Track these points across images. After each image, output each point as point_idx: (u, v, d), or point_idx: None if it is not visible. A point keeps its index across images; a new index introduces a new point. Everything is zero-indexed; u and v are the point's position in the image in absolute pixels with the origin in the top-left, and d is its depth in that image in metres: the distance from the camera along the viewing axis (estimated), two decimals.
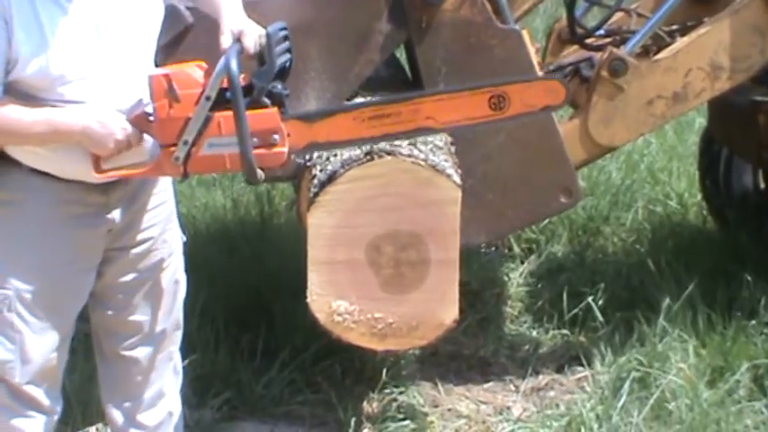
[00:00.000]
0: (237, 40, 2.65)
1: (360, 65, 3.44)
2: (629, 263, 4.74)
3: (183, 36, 3.35)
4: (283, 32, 2.69)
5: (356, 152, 2.86)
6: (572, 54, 4.31)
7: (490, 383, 4.09)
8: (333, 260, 2.75)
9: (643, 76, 3.68)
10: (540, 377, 4.11)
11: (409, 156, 2.80)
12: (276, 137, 2.61)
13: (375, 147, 2.85)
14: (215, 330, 3.94)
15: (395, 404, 3.82)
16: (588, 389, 3.95)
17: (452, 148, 3.27)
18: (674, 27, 3.93)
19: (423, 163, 2.77)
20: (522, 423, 3.79)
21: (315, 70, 3.39)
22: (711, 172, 4.91)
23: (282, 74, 2.68)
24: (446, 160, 3.00)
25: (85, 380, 3.49)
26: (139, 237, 2.85)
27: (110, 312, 2.91)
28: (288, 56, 2.70)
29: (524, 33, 3.57)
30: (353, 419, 3.68)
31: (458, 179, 2.94)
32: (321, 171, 2.85)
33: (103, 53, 2.60)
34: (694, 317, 4.08)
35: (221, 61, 2.57)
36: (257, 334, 3.95)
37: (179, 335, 3.12)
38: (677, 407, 3.63)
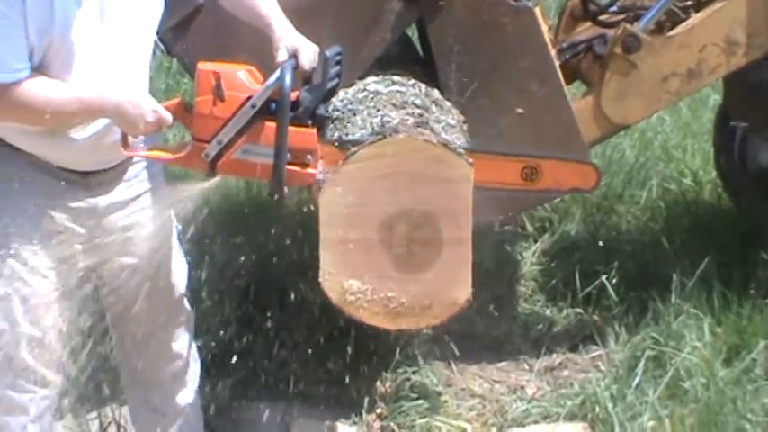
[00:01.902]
0: (293, 56, 2.68)
1: (371, 44, 3.42)
2: (644, 241, 4.72)
3: (194, 16, 3.34)
4: (338, 57, 2.74)
5: (367, 131, 2.84)
6: (585, 31, 4.27)
7: (504, 363, 4.09)
8: (345, 239, 2.73)
9: (657, 53, 3.64)
10: (554, 356, 4.10)
11: (421, 134, 2.78)
12: (310, 157, 2.64)
13: (387, 125, 2.84)
14: (228, 311, 3.94)
15: (408, 383, 3.82)
16: (602, 368, 3.95)
17: (465, 127, 3.25)
18: (689, 2, 3.89)
19: (435, 141, 2.75)
20: (536, 402, 3.78)
21: (327, 48, 3.37)
22: (726, 149, 4.87)
23: (329, 96, 2.73)
24: (458, 138, 2.99)
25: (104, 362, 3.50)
26: (124, 222, 2.87)
27: (113, 299, 2.93)
28: (337, 80, 2.76)
29: (537, 11, 3.54)
30: (367, 399, 3.69)
31: (470, 157, 2.92)
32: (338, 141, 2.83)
33: (105, 40, 2.60)
34: (709, 295, 4.06)
35: (276, 74, 2.60)
36: (270, 314, 3.94)
37: (188, 319, 3.14)
38: (692, 385, 3.62)
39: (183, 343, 3.14)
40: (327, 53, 2.71)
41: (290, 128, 2.58)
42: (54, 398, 2.87)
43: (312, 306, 3.83)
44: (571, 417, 3.67)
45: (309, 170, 2.66)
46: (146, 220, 2.92)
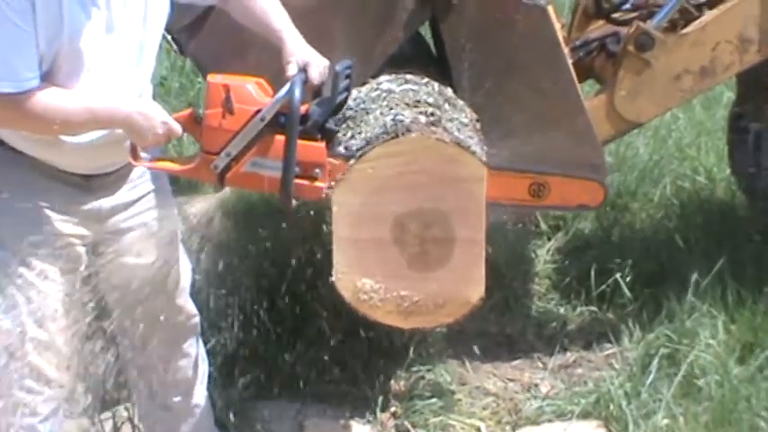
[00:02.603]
0: (303, 70, 2.70)
1: (384, 42, 3.41)
2: (658, 239, 4.70)
3: (207, 16, 3.34)
4: (348, 71, 2.75)
5: (380, 130, 2.84)
6: (598, 29, 4.26)
7: (517, 361, 4.09)
8: (358, 238, 2.74)
9: (670, 51, 3.64)
10: (568, 354, 4.10)
11: (434, 133, 2.78)
12: (318, 171, 2.66)
13: (400, 124, 2.84)
14: (242, 310, 3.94)
15: (422, 382, 3.82)
16: (617, 366, 3.94)
17: (478, 125, 3.25)
18: (702, 0, 3.88)
19: (448, 140, 2.75)
20: (550, 400, 3.78)
21: (339, 48, 3.36)
22: (740, 146, 4.85)
23: (338, 110, 2.74)
24: (471, 137, 2.98)
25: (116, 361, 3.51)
26: (128, 223, 2.89)
27: (118, 299, 2.95)
28: (346, 93, 2.78)
29: (550, 8, 3.53)
30: (380, 397, 3.69)
31: (483, 156, 2.92)
32: (345, 149, 2.84)
33: (111, 49, 2.61)
34: (723, 292, 4.05)
35: (286, 87, 2.61)
36: (284, 313, 3.95)
37: (193, 319, 3.16)
38: (707, 383, 3.62)
39: (188, 343, 3.16)
40: (337, 67, 2.72)
41: (299, 141, 2.60)
42: (63, 398, 2.89)
43: (326, 305, 3.83)
44: (585, 415, 3.67)
45: (318, 184, 2.67)
46: (150, 221, 2.94)
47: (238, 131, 2.61)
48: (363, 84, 3.24)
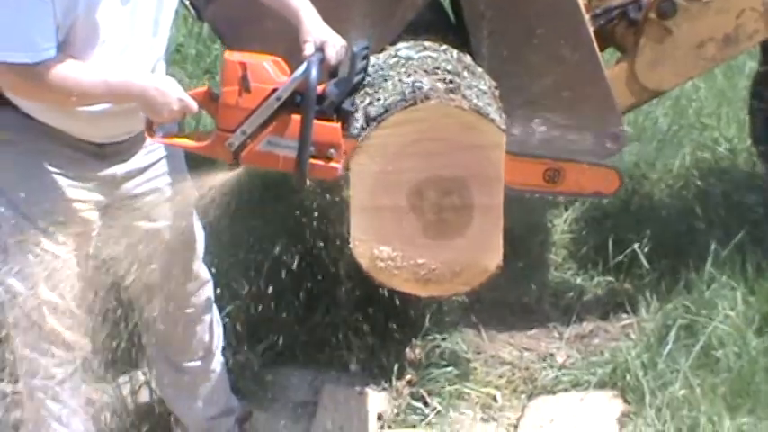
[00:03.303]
0: (320, 49, 2.69)
1: (403, 8, 3.39)
2: (676, 209, 4.68)
3: None
4: (365, 52, 2.74)
5: (399, 97, 2.82)
6: None
7: (534, 330, 4.09)
8: (375, 206, 2.72)
9: (693, 18, 3.60)
10: (585, 324, 4.09)
11: (453, 100, 2.76)
12: (333, 151, 2.64)
13: (418, 91, 2.82)
14: (258, 277, 3.95)
15: (438, 350, 3.83)
16: (633, 336, 3.94)
17: (497, 93, 3.22)
18: None
19: (466, 107, 2.73)
20: (566, 370, 3.78)
21: (358, 15, 3.34)
22: (762, 117, 4.81)
23: (354, 90, 2.73)
24: (489, 104, 2.96)
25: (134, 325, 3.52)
26: (142, 189, 2.91)
27: (132, 263, 2.93)
28: (362, 74, 2.76)
29: None
30: (396, 365, 3.70)
31: (502, 124, 2.90)
32: (363, 116, 2.82)
33: (126, 20, 2.62)
34: (743, 264, 4.03)
35: (302, 67, 2.60)
36: (300, 280, 3.95)
37: (206, 284, 3.18)
38: (725, 354, 3.61)
39: (202, 307, 3.19)
40: (354, 48, 2.71)
41: (315, 121, 2.59)
42: (80, 361, 2.90)
43: (342, 272, 3.83)
44: (601, 385, 3.67)
45: (332, 164, 2.65)
46: (164, 186, 2.95)
47: (254, 110, 2.60)
48: (382, 50, 3.22)
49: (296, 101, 2.59)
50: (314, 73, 2.59)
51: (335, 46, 2.73)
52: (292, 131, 2.60)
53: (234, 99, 2.60)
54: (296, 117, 2.59)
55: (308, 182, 2.63)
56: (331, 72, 2.73)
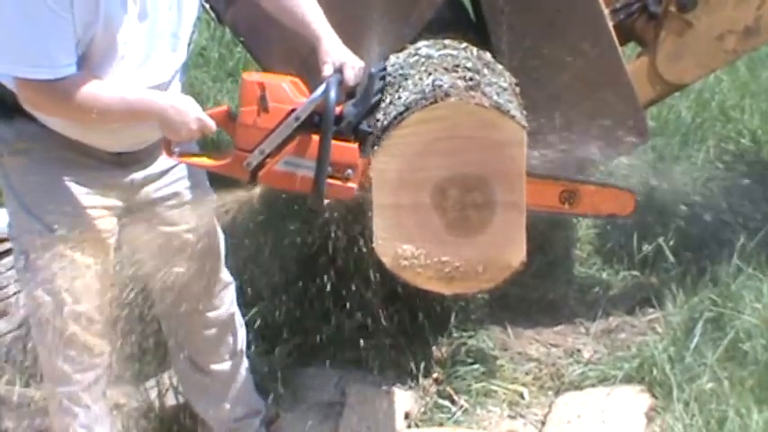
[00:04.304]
0: (338, 70, 2.70)
1: (422, 7, 3.39)
2: (701, 202, 4.66)
3: None
4: (382, 73, 2.77)
5: (419, 95, 2.83)
6: None
7: (560, 326, 4.08)
8: (398, 204, 2.72)
9: (713, 10, 3.59)
10: (611, 319, 4.08)
11: (473, 98, 2.76)
12: (350, 171, 2.65)
13: (438, 89, 2.82)
14: (283, 277, 3.96)
15: (464, 348, 3.82)
16: (660, 330, 3.92)
17: (517, 89, 3.22)
18: None
19: (487, 105, 2.73)
20: (593, 365, 3.77)
21: (377, 13, 3.35)
22: None
23: (371, 111, 2.73)
24: (510, 101, 2.95)
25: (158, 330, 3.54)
26: (161, 193, 2.92)
27: (154, 267, 2.95)
28: (380, 95, 2.76)
29: None
30: (423, 364, 3.70)
31: (523, 120, 2.89)
32: (384, 115, 2.83)
33: (143, 37, 2.63)
34: None
35: (321, 88, 2.61)
36: (325, 280, 3.96)
37: (228, 286, 3.20)
38: (752, 347, 3.59)
39: (224, 309, 3.20)
40: (372, 69, 2.73)
41: (333, 142, 2.60)
42: (104, 367, 2.92)
43: (367, 271, 3.83)
44: (628, 380, 3.66)
45: (350, 184, 2.67)
46: (183, 190, 2.96)
47: (273, 130, 2.61)
48: (402, 49, 3.22)
49: (314, 121, 2.60)
50: (333, 94, 2.60)
51: (354, 67, 2.74)
52: (310, 151, 2.61)
53: (252, 119, 2.61)
54: (314, 137, 2.61)
55: (325, 202, 2.64)
56: (349, 93, 2.74)
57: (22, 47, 2.47)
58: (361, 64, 2.76)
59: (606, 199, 3.08)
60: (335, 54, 2.75)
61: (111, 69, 2.59)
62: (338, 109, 2.64)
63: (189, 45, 2.79)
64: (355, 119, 2.67)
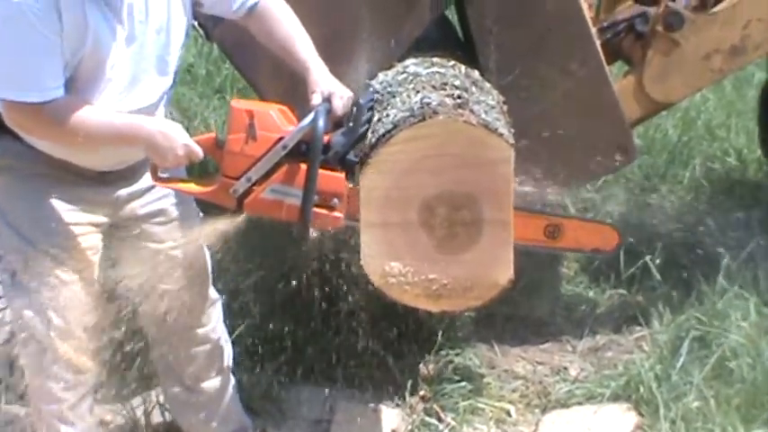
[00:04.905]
0: (327, 100, 2.71)
1: (410, 25, 3.40)
2: (687, 221, 4.67)
3: None
4: (371, 104, 2.78)
5: (407, 113, 2.83)
6: (626, 9, 4.22)
7: (547, 344, 4.09)
8: (386, 222, 2.72)
9: (700, 30, 3.61)
10: (598, 337, 4.09)
11: (461, 116, 2.77)
12: (336, 201, 2.66)
13: (426, 107, 2.82)
14: (270, 296, 3.95)
15: (451, 366, 3.82)
16: (646, 348, 3.93)
17: (505, 108, 3.23)
18: None
19: (475, 122, 2.74)
20: (580, 383, 3.77)
21: (365, 31, 3.36)
22: None
23: (359, 141, 2.74)
24: (498, 119, 2.97)
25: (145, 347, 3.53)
26: (147, 209, 2.92)
27: (139, 284, 2.93)
28: (367, 126, 2.77)
29: None
30: (410, 381, 3.70)
31: (511, 138, 2.90)
32: (372, 133, 2.83)
33: (130, 61, 2.63)
34: (755, 274, 4.02)
35: (309, 117, 2.62)
36: (312, 298, 3.95)
37: (215, 303, 3.19)
38: (738, 366, 3.59)
39: (211, 326, 3.19)
40: (360, 99, 2.74)
41: (320, 171, 2.60)
42: (90, 384, 2.91)
43: (354, 289, 3.83)
44: (615, 398, 3.66)
45: (335, 213, 2.67)
46: (168, 207, 2.96)
47: (260, 157, 2.61)
48: (390, 67, 3.23)
49: (302, 150, 2.61)
50: (321, 123, 2.60)
51: (342, 97, 2.75)
52: (297, 180, 2.61)
53: (240, 146, 2.61)
54: (301, 166, 2.61)
55: (311, 231, 2.64)
56: (336, 122, 2.75)
57: (10, 69, 2.47)
58: (350, 94, 2.77)
59: (589, 234, 3.12)
60: (324, 84, 2.76)
61: (99, 92, 2.59)
62: (326, 138, 2.64)
63: (176, 68, 2.79)
64: (343, 149, 2.68)
